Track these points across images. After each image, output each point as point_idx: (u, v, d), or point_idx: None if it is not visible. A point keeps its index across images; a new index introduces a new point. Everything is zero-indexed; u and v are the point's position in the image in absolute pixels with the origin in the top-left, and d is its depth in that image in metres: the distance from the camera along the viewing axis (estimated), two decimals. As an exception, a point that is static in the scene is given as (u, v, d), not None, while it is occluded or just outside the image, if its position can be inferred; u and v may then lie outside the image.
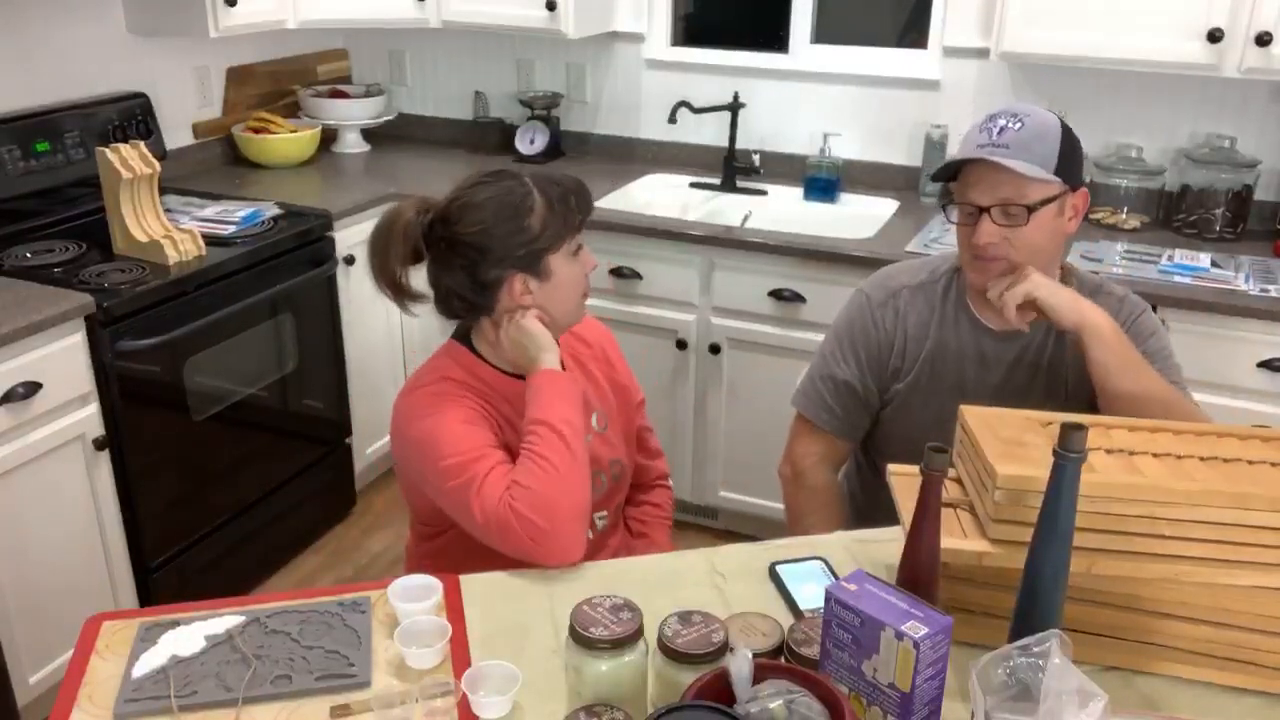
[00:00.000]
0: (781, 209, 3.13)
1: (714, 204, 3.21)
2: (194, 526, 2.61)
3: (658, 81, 3.40)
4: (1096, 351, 1.56)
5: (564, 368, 1.65)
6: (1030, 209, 1.58)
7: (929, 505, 1.13)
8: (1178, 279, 2.44)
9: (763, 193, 3.22)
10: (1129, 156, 2.89)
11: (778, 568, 1.45)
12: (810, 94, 3.23)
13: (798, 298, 2.72)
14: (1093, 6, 2.55)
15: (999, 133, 1.58)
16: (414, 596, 1.34)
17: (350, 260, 2.94)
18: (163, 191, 2.61)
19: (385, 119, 3.63)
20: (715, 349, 2.86)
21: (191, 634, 1.30)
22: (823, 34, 3.24)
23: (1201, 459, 1.25)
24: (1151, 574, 1.21)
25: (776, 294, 2.74)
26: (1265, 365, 2.35)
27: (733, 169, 3.23)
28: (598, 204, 2.89)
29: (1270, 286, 2.40)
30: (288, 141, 3.33)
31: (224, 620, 1.33)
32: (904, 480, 1.31)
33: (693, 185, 3.29)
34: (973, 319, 1.74)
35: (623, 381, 1.80)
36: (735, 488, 3.01)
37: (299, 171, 3.35)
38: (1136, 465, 1.23)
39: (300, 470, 2.94)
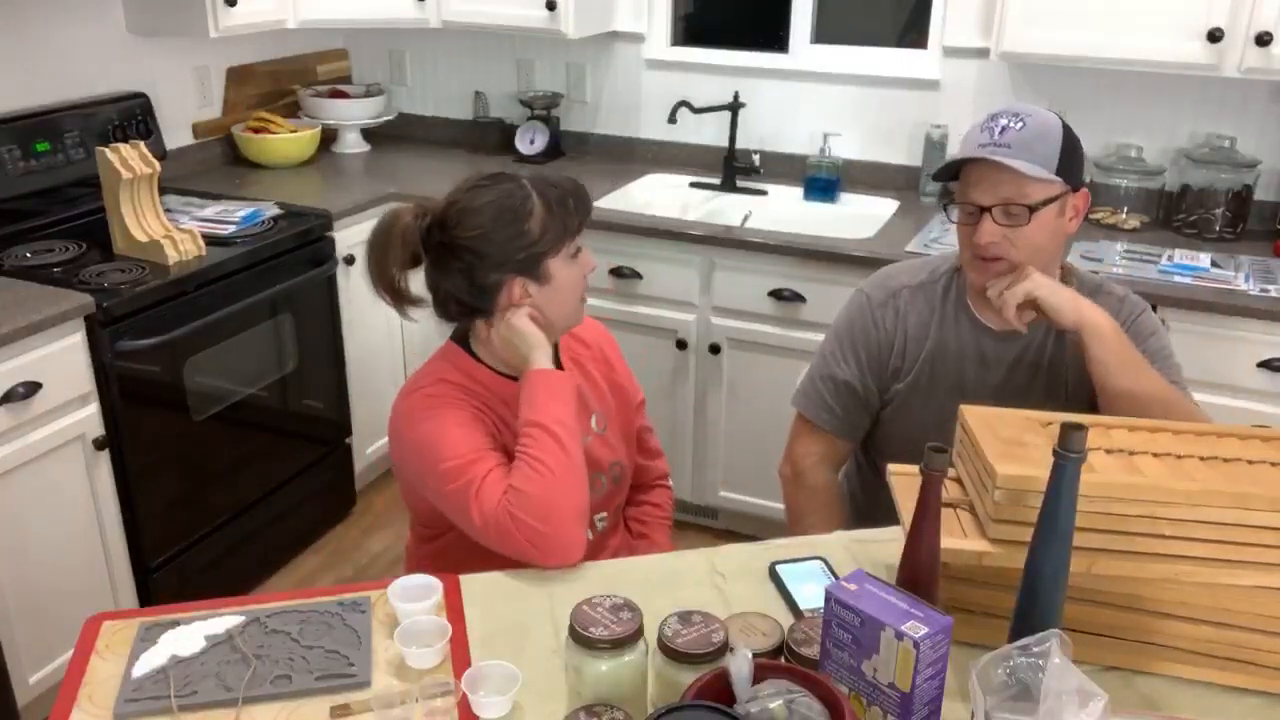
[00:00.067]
0: (781, 209, 3.13)
1: (714, 204, 3.21)
2: (194, 526, 2.61)
3: (658, 81, 3.40)
4: (1097, 351, 1.56)
5: (563, 369, 1.65)
6: (1031, 209, 1.58)
7: (929, 505, 1.13)
8: (1178, 279, 2.44)
9: (763, 193, 3.22)
10: (1129, 156, 2.89)
11: (778, 568, 1.45)
12: (810, 94, 3.23)
13: (798, 298, 2.72)
14: (1093, 6, 2.55)
15: (1000, 132, 1.58)
16: (414, 596, 1.34)
17: (350, 260, 2.94)
18: (163, 191, 2.61)
19: (385, 119, 3.63)
20: (715, 349, 2.86)
21: (191, 634, 1.30)
22: (823, 34, 3.24)
23: (1201, 459, 1.25)
24: (1152, 574, 1.20)
25: (776, 294, 2.74)
26: (1265, 365, 2.35)
27: (733, 169, 3.23)
28: (597, 204, 2.89)
29: (1270, 286, 2.40)
30: (288, 141, 3.33)
31: (224, 620, 1.33)
32: (904, 480, 1.31)
33: (693, 185, 3.29)
34: (973, 319, 1.74)
35: (622, 382, 1.80)
36: (735, 488, 3.01)
37: (299, 171, 3.35)
38: (1136, 465, 1.23)
39: (300, 470, 2.94)
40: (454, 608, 1.36)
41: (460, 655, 1.27)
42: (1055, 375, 1.72)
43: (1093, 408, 1.64)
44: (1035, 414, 1.33)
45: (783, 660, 1.17)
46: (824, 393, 1.83)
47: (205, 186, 3.06)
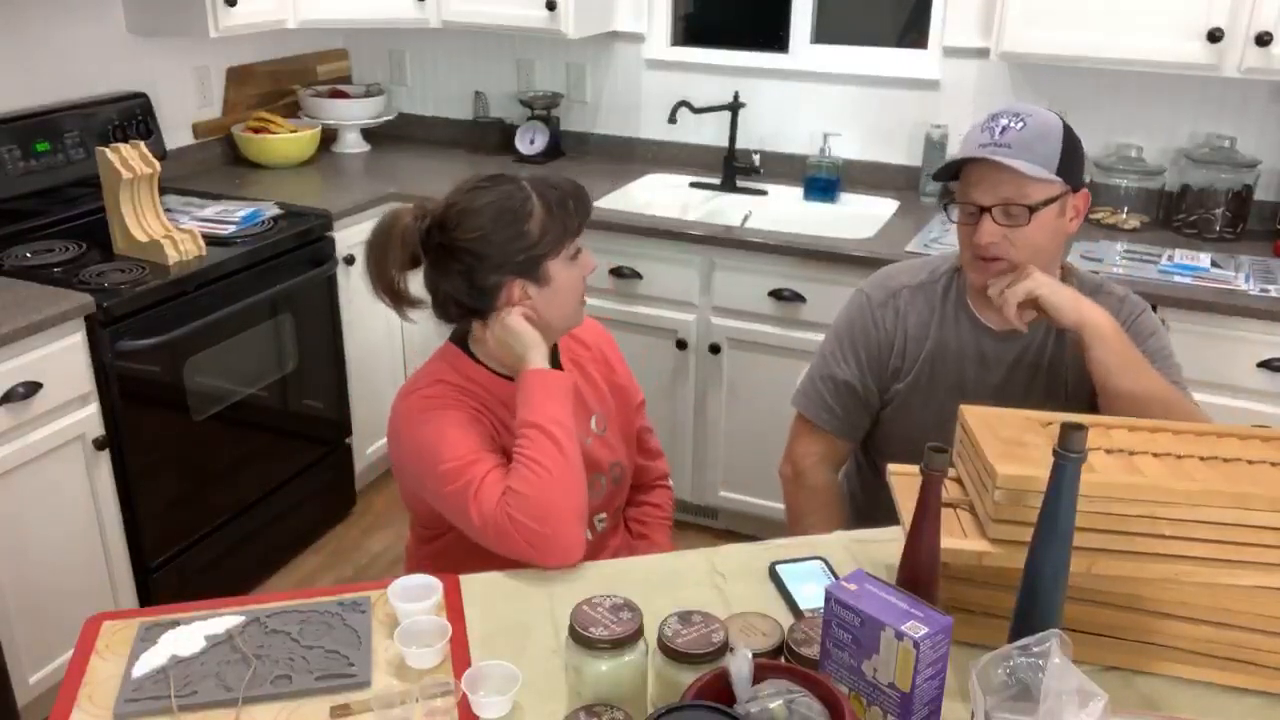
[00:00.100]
0: (781, 209, 3.13)
1: (714, 204, 3.21)
2: (194, 526, 2.61)
3: (658, 81, 3.40)
4: (1097, 350, 1.56)
5: (562, 370, 1.65)
6: (1031, 209, 1.58)
7: (929, 505, 1.13)
8: (1178, 279, 2.44)
9: (763, 193, 3.22)
10: (1129, 156, 2.89)
11: (778, 568, 1.45)
12: (810, 94, 3.23)
13: (798, 298, 2.72)
14: (1093, 6, 2.55)
15: (1001, 132, 1.58)
16: (414, 596, 1.34)
17: (350, 260, 2.94)
18: (163, 191, 2.61)
19: (385, 119, 3.63)
20: (715, 349, 2.86)
21: (191, 634, 1.30)
22: (823, 34, 3.24)
23: (1201, 459, 1.25)
24: (1152, 574, 1.20)
25: (776, 294, 2.74)
26: (1265, 365, 2.35)
27: (733, 169, 3.23)
28: (597, 204, 2.89)
29: (1270, 286, 2.40)
30: (288, 141, 3.33)
31: (224, 620, 1.33)
32: (904, 480, 1.31)
33: (693, 185, 3.29)
34: (973, 319, 1.74)
35: (622, 383, 1.80)
36: (735, 488, 3.01)
37: (299, 171, 3.35)
38: (1136, 465, 1.23)
39: (300, 470, 2.94)
40: (454, 608, 1.36)
41: (460, 655, 1.27)
42: (1055, 375, 1.72)
43: (1093, 408, 1.64)
44: (1035, 414, 1.33)
45: (783, 660, 1.17)
46: (824, 393, 1.83)
47: (205, 186, 3.06)
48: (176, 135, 3.17)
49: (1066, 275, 1.73)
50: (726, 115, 3.21)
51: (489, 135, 3.61)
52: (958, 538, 1.23)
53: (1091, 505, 1.17)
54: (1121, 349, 1.57)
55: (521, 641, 1.31)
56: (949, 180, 1.70)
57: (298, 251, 2.77)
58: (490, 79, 3.64)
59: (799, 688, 1.01)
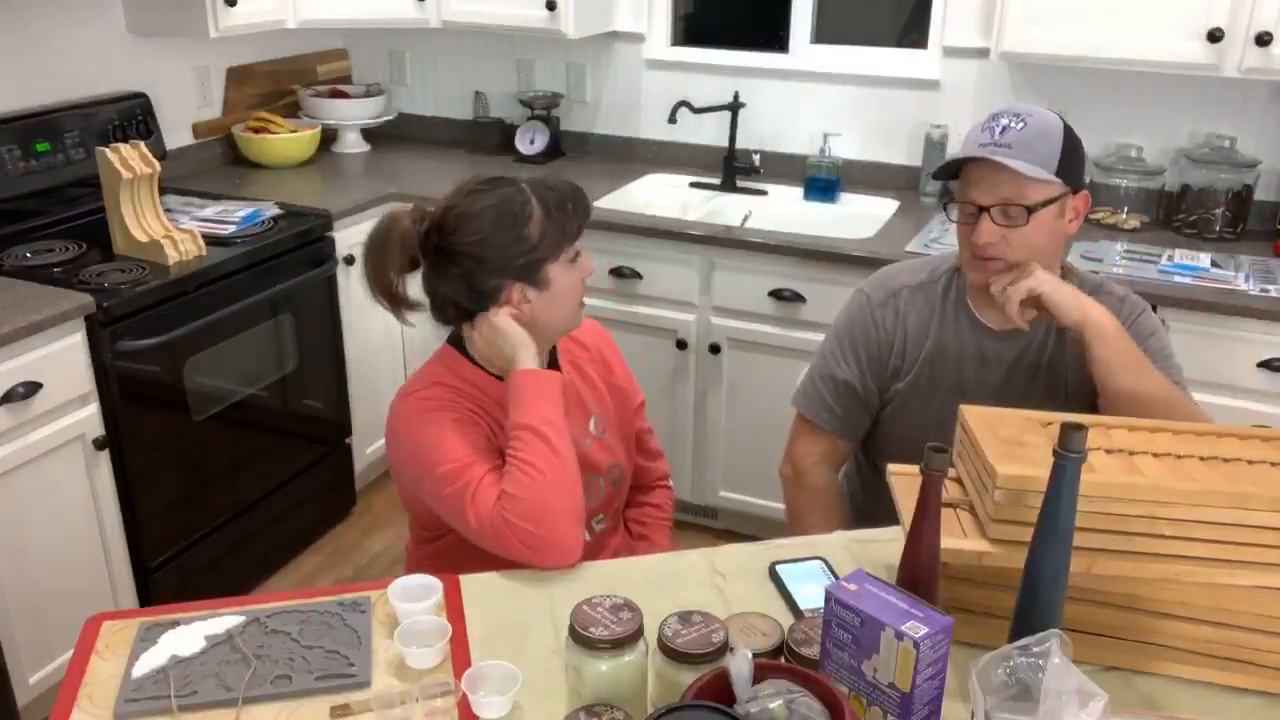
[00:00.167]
0: (781, 209, 3.13)
1: (714, 204, 3.21)
2: (194, 526, 2.61)
3: (658, 81, 3.40)
4: (1099, 349, 1.56)
5: (560, 372, 1.65)
6: (1030, 209, 1.58)
7: (929, 505, 1.13)
8: (1178, 279, 2.44)
9: (763, 193, 3.22)
10: (1129, 156, 2.89)
11: (778, 568, 1.45)
12: (810, 94, 3.23)
13: (798, 298, 2.72)
14: (1093, 6, 2.55)
15: (1001, 132, 1.58)
16: (414, 596, 1.34)
17: (350, 260, 2.94)
18: (163, 191, 2.61)
19: (385, 119, 3.63)
20: (715, 349, 2.86)
21: (191, 634, 1.30)
22: (823, 34, 3.24)
23: (1201, 459, 1.25)
24: (1151, 574, 1.20)
25: (776, 294, 2.74)
26: (1265, 365, 2.35)
27: (733, 169, 3.23)
28: (597, 204, 2.89)
29: (1270, 286, 2.40)
30: (288, 141, 3.33)
31: (224, 620, 1.33)
32: (904, 480, 1.31)
33: (693, 185, 3.29)
34: (973, 319, 1.74)
35: (621, 384, 1.79)
36: (735, 488, 3.01)
37: (299, 171, 3.35)
38: (1136, 465, 1.23)
39: (300, 470, 2.94)
40: (454, 608, 1.36)
41: (460, 655, 1.27)
42: (1055, 375, 1.72)
43: (1093, 408, 1.64)
44: (1035, 414, 1.33)
45: (783, 660, 1.17)
46: (824, 393, 1.83)
47: (205, 186, 3.06)
48: (176, 135, 3.17)
49: (1066, 275, 1.73)
50: (726, 115, 3.21)
51: (489, 135, 3.61)
52: (958, 538, 1.23)
53: (1091, 505, 1.17)
54: (1123, 348, 1.57)
55: (521, 641, 1.31)
56: (949, 179, 1.70)
57: (298, 251, 2.77)
58: (490, 79, 3.64)
59: (799, 688, 1.01)
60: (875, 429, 1.86)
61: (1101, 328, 1.56)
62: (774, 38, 3.27)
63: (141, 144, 2.52)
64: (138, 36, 3.00)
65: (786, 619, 1.30)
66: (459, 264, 1.52)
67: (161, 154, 2.91)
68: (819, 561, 1.47)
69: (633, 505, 1.88)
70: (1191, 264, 2.51)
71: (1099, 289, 1.72)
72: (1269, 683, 1.24)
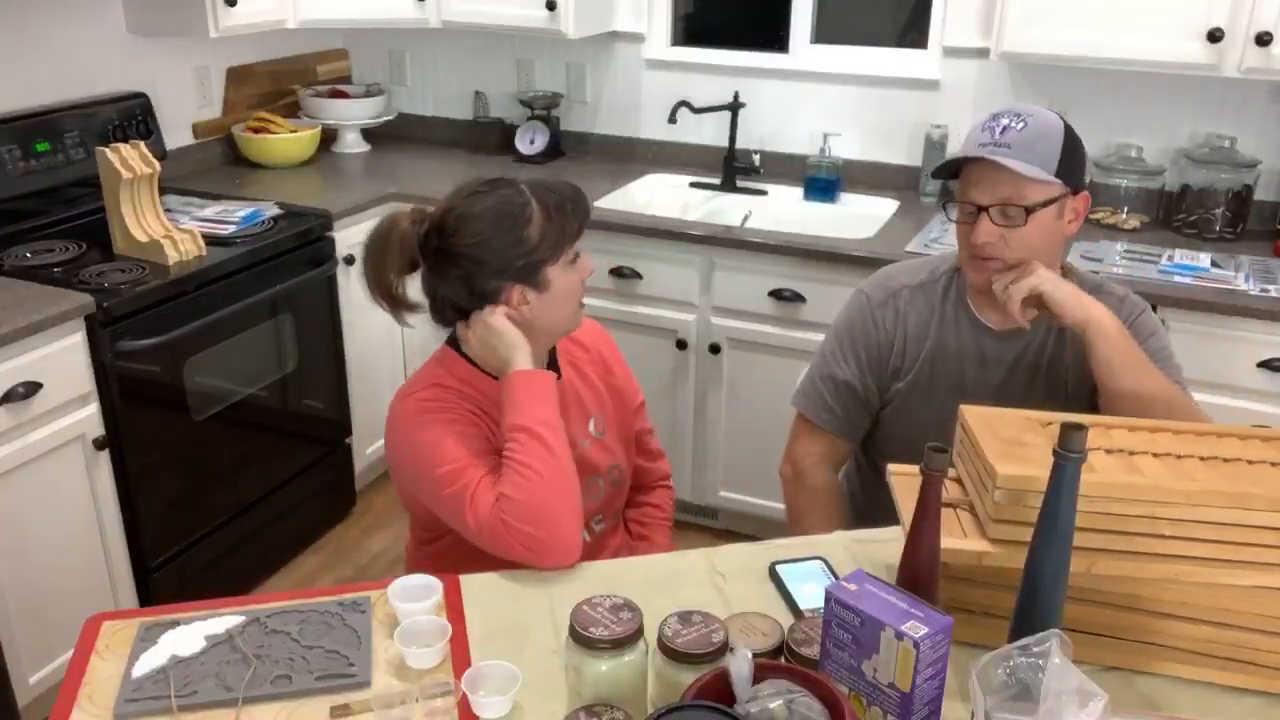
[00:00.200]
0: (781, 209, 3.13)
1: (714, 204, 3.21)
2: (194, 526, 2.61)
3: (658, 81, 3.40)
4: (1101, 349, 1.56)
5: (560, 373, 1.65)
6: (1028, 210, 1.58)
7: (929, 505, 1.13)
8: (1178, 279, 2.44)
9: (763, 193, 3.22)
10: (1129, 156, 2.89)
11: (778, 568, 1.45)
12: (810, 94, 3.23)
13: (798, 298, 2.72)
14: (1093, 6, 2.55)
15: (1001, 132, 1.58)
16: (414, 596, 1.34)
17: (350, 260, 2.94)
18: (163, 191, 2.61)
19: (385, 119, 3.63)
20: (715, 349, 2.86)
21: (191, 634, 1.30)
22: (823, 34, 3.24)
23: (1201, 459, 1.25)
24: (1151, 574, 1.20)
25: (776, 294, 2.74)
26: (1265, 365, 2.35)
27: (733, 169, 3.23)
28: (597, 204, 2.90)
29: (1270, 286, 2.40)
30: (288, 141, 3.33)
31: (224, 620, 1.33)
32: (904, 480, 1.31)
33: (693, 185, 3.29)
34: (973, 319, 1.74)
35: (620, 385, 1.79)
36: (735, 488, 3.01)
37: (299, 171, 3.35)
38: (1136, 465, 1.23)
39: (300, 470, 2.94)
40: (454, 608, 1.36)
41: (460, 655, 1.27)
42: (1055, 375, 1.72)
43: (1093, 408, 1.64)
44: (1035, 414, 1.33)
45: (783, 660, 1.17)
46: (824, 393, 1.83)
47: (205, 186, 3.06)
48: (176, 135, 3.17)
49: (1066, 275, 1.72)
50: (726, 115, 3.21)
51: (489, 135, 3.61)
52: (958, 538, 1.23)
53: (1091, 505, 1.17)
54: (1125, 347, 1.57)
55: (521, 641, 1.31)
56: (949, 178, 1.70)
57: (298, 251, 2.77)
58: (490, 79, 3.64)
59: (799, 688, 1.01)
60: (875, 429, 1.86)
61: (1103, 327, 1.56)
62: (774, 38, 3.27)
63: (141, 144, 2.52)
64: (138, 36, 3.00)
65: (786, 619, 1.30)
66: (458, 266, 1.52)
67: (161, 154, 2.91)
68: (819, 561, 1.47)
69: (633, 505, 1.88)
70: (1191, 264, 2.51)
71: (1099, 289, 1.72)
72: (1269, 683, 1.24)
